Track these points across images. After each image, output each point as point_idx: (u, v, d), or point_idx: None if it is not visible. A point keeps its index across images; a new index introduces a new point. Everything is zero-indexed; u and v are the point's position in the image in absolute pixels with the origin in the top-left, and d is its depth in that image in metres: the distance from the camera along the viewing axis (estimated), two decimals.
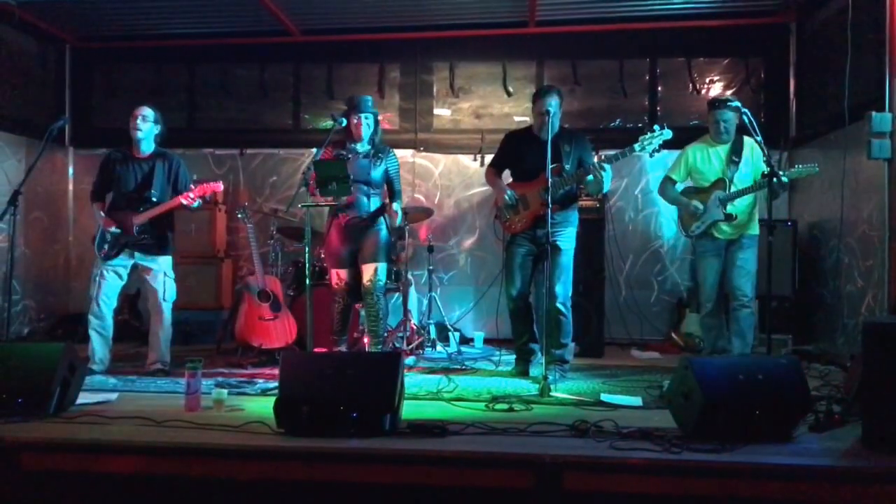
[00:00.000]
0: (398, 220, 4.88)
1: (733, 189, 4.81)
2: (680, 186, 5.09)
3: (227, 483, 2.97)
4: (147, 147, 4.93)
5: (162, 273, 4.91)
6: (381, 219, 4.86)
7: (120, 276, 4.90)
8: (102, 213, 4.91)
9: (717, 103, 4.86)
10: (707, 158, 4.94)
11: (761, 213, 5.17)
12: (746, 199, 4.83)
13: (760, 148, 4.53)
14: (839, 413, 3.44)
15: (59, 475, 3.03)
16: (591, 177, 4.61)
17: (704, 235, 4.93)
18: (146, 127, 4.86)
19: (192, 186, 4.85)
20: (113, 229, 4.80)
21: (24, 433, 3.15)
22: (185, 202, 4.80)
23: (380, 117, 5.03)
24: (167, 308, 4.94)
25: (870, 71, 4.91)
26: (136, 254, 4.86)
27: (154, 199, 4.83)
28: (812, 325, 5.88)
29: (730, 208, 4.80)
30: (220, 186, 5.02)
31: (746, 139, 4.81)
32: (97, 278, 4.86)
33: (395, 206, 4.81)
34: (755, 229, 4.93)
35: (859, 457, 2.93)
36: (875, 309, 4.86)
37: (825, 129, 5.75)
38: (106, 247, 4.83)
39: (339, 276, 4.84)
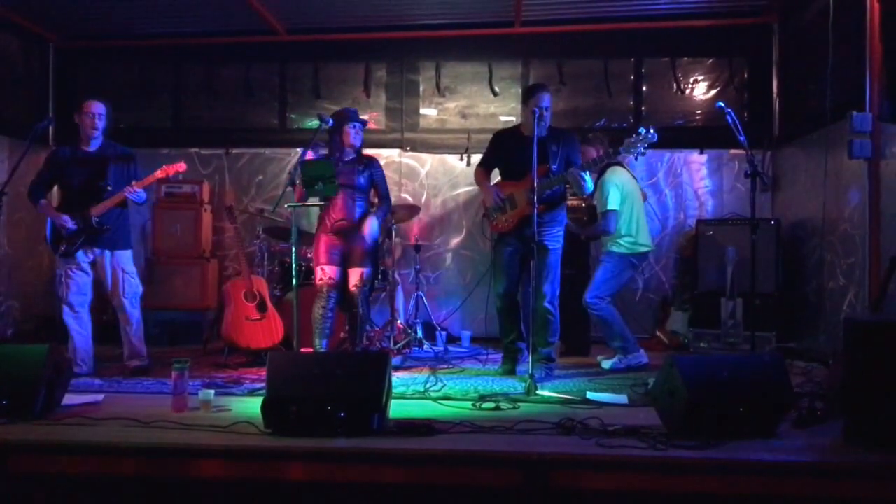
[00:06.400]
0: (372, 230, 4.81)
1: None
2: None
3: (214, 484, 2.97)
4: (97, 141, 4.89)
5: (120, 269, 4.85)
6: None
7: (86, 272, 4.85)
8: (51, 209, 4.83)
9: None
10: None
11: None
12: None
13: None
14: (821, 409, 3.48)
15: (46, 478, 3.02)
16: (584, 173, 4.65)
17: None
18: (102, 125, 4.83)
19: (133, 181, 4.79)
20: (70, 225, 4.73)
21: (10, 435, 3.13)
22: (129, 195, 4.73)
23: (365, 117, 5.09)
24: (128, 304, 4.88)
25: (851, 71, 4.96)
26: (96, 249, 4.82)
27: (110, 188, 4.79)
28: (795, 323, 5.94)
29: None
30: (183, 166, 5.00)
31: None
32: (63, 278, 4.81)
33: (372, 220, 4.80)
34: None
35: (841, 452, 2.96)
36: (856, 306, 4.92)
37: (807, 129, 5.80)
38: (64, 245, 4.77)
39: (324, 271, 4.82)
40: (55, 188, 5.05)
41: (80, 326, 4.84)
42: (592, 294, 5.24)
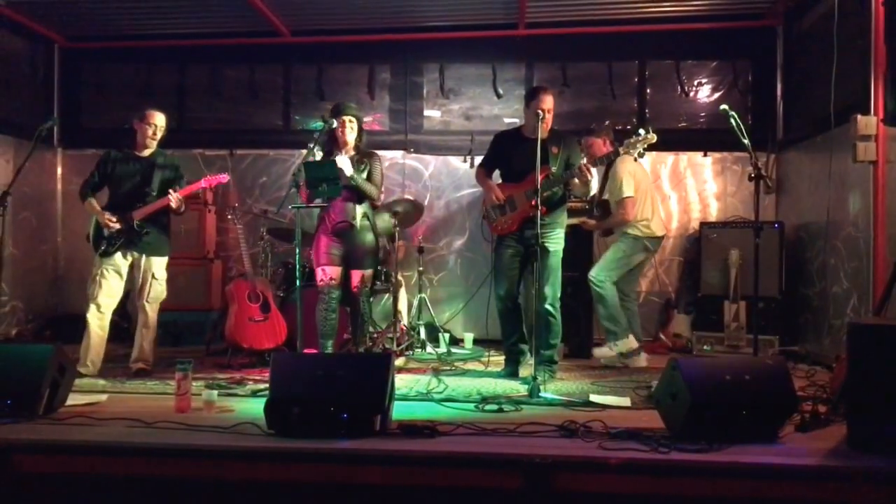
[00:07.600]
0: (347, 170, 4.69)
1: None
2: None
3: (217, 484, 2.97)
4: (150, 149, 5.02)
5: (151, 274, 4.92)
6: (370, 224, 4.89)
7: (120, 275, 4.91)
8: (96, 207, 4.90)
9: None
10: None
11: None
12: None
13: None
14: (824, 413, 3.47)
15: (51, 477, 3.02)
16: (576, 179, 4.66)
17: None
18: (160, 135, 4.99)
19: (176, 188, 4.89)
20: (113, 225, 4.81)
21: (14, 435, 3.14)
22: (170, 202, 4.82)
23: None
24: (150, 308, 4.95)
25: (855, 74, 4.95)
26: (134, 252, 4.89)
27: (154, 194, 4.89)
28: (798, 326, 5.94)
29: None
30: (226, 177, 5.09)
31: None
32: (98, 278, 4.87)
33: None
34: None
35: (844, 456, 2.96)
36: (860, 310, 4.91)
37: (812, 132, 5.80)
38: (104, 243, 4.85)
39: (325, 272, 4.81)
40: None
41: (100, 328, 4.89)
42: (599, 269, 5.29)
